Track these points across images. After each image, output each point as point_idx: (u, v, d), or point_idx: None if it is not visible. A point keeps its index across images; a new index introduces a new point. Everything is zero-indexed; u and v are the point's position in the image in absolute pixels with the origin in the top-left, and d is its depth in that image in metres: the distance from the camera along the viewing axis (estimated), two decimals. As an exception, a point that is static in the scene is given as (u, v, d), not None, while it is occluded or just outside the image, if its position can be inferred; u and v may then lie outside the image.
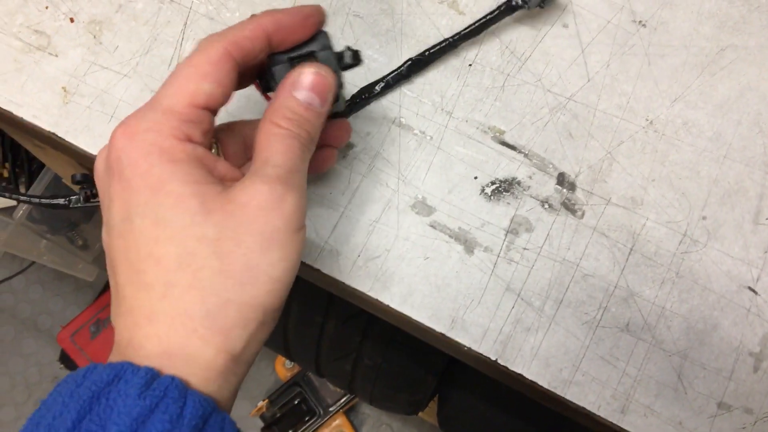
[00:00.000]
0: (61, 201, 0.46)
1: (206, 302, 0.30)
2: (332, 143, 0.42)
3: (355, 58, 0.38)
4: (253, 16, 0.35)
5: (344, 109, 0.45)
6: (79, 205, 0.45)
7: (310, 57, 0.36)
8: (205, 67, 0.32)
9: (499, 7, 0.46)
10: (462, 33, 0.47)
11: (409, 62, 0.47)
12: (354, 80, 0.48)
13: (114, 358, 0.31)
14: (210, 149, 0.35)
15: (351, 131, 0.44)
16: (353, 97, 0.47)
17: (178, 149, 0.31)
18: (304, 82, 0.34)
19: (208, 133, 0.34)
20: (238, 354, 0.31)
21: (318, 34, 0.37)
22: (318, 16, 0.36)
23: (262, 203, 0.31)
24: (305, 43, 0.36)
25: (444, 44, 0.47)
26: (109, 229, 0.32)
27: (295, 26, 0.35)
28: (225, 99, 0.34)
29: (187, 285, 0.30)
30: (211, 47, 0.32)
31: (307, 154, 0.35)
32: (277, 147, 0.33)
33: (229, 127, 0.40)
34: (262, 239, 0.31)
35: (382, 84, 0.47)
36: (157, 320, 0.30)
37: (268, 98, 0.45)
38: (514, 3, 0.46)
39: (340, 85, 0.39)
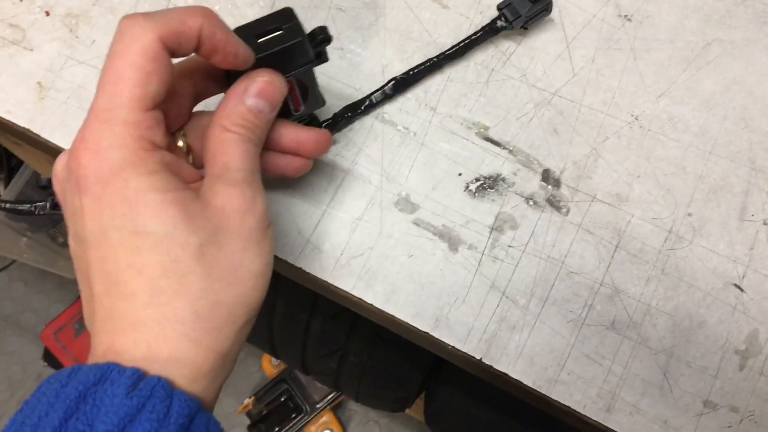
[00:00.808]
0: (27, 207, 0.45)
1: (195, 305, 0.30)
2: (304, 152, 0.40)
3: (325, 39, 0.37)
4: (191, 6, 0.33)
5: (323, 105, 0.43)
6: (45, 212, 0.44)
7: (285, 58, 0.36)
8: (146, 66, 0.30)
9: (483, 28, 0.46)
10: (446, 53, 0.46)
11: (393, 81, 0.46)
12: (337, 87, 0.47)
13: (93, 360, 0.31)
14: (169, 145, 0.34)
15: (329, 145, 0.42)
16: (336, 115, 0.46)
17: (149, 161, 0.31)
18: (255, 90, 0.35)
19: (164, 130, 0.33)
20: (226, 352, 0.32)
21: (281, 11, 0.36)
22: (248, 59, 0.35)
23: (236, 206, 0.33)
24: (268, 18, 0.36)
25: (429, 64, 0.46)
26: (79, 240, 0.32)
27: (226, 51, 0.34)
28: (167, 92, 0.33)
29: (173, 291, 0.30)
30: (143, 36, 0.30)
31: (259, 156, 0.36)
32: (234, 151, 0.34)
33: (192, 119, 0.39)
34: (240, 240, 0.32)
35: (366, 103, 0.46)
36: (144, 327, 0.30)
37: None
38: (498, 24, 0.45)
39: (314, 85, 0.39)
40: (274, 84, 0.36)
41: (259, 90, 0.35)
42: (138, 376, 0.28)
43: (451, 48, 0.46)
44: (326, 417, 1.44)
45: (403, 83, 0.46)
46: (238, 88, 0.35)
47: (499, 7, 0.46)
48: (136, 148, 0.30)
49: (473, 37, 0.46)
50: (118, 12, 0.48)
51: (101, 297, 0.31)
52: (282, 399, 1.43)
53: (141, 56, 0.30)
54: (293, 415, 1.42)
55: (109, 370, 0.28)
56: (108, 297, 0.31)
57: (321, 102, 0.42)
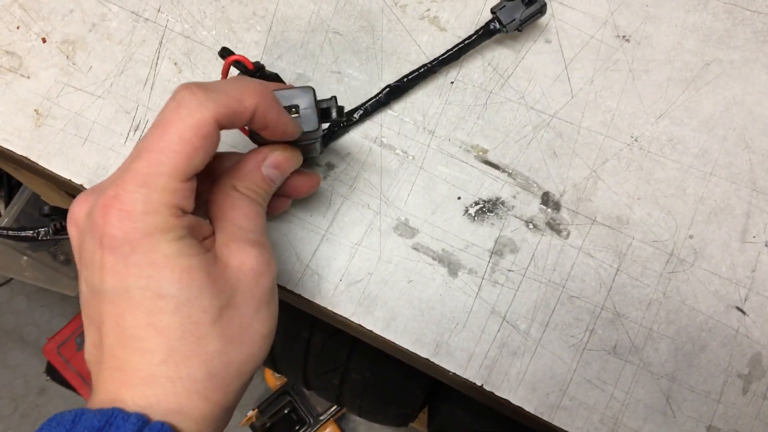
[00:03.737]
0: (30, 233, 0.45)
1: (209, 365, 0.31)
2: (295, 195, 0.42)
3: (339, 115, 0.39)
4: (247, 83, 0.34)
5: (321, 152, 0.45)
6: (48, 237, 0.44)
7: (293, 109, 0.37)
8: (196, 142, 0.31)
9: (477, 32, 0.45)
10: (440, 58, 0.46)
11: (387, 89, 0.46)
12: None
13: (96, 406, 0.31)
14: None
15: (318, 185, 0.43)
16: (330, 126, 0.46)
17: (179, 227, 0.31)
18: (273, 162, 0.37)
19: (194, 196, 0.34)
20: (230, 406, 0.33)
21: (305, 88, 0.37)
22: (295, 135, 0.37)
23: (254, 267, 0.33)
24: (291, 92, 0.37)
25: (422, 70, 0.46)
26: (96, 292, 0.32)
27: (276, 129, 0.35)
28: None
29: (190, 352, 0.31)
30: (200, 113, 0.30)
31: (265, 217, 0.38)
32: (245, 210, 0.35)
33: None
34: (254, 301, 0.33)
35: (361, 111, 0.46)
36: (156, 382, 0.31)
37: (247, 134, 0.44)
38: (492, 27, 0.45)
39: (319, 137, 0.39)
40: (292, 160, 0.38)
41: (278, 163, 0.37)
42: (143, 422, 0.29)
43: (444, 53, 0.46)
44: (330, 429, 1.44)
45: (397, 90, 0.46)
46: (258, 156, 0.37)
47: (493, 10, 0.45)
48: (168, 215, 0.31)
49: (467, 41, 0.46)
50: (114, 38, 0.48)
51: (114, 348, 0.31)
52: (285, 411, 1.43)
53: (193, 131, 0.30)
54: (297, 427, 1.42)
55: (114, 416, 0.29)
56: (122, 350, 0.31)
57: (318, 150, 0.44)
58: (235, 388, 0.33)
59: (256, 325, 0.33)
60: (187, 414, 0.31)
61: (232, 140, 0.47)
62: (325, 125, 0.45)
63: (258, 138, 0.37)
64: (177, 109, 0.31)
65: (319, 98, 0.38)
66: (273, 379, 1.47)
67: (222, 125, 0.32)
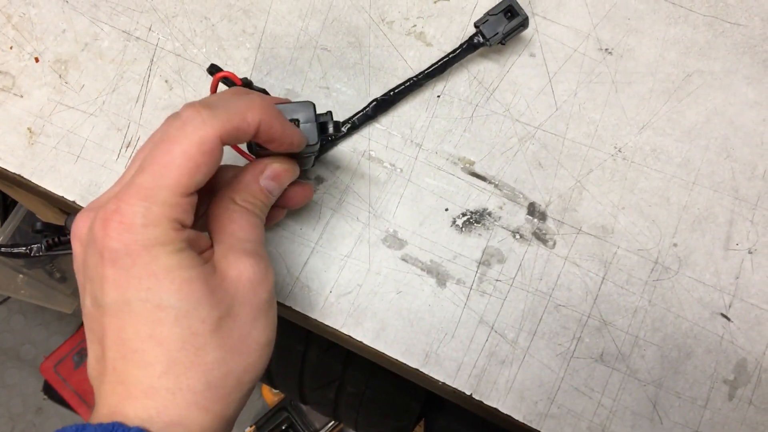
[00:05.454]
0: (23, 250, 0.45)
1: (209, 376, 0.32)
2: (289, 205, 0.42)
3: (336, 129, 0.40)
4: (251, 99, 0.34)
5: (313, 165, 0.46)
6: (41, 254, 0.45)
7: (293, 123, 0.38)
8: (199, 158, 0.31)
9: (461, 45, 0.46)
10: (426, 71, 0.47)
11: (374, 103, 0.47)
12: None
13: (97, 420, 0.31)
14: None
15: (312, 195, 0.44)
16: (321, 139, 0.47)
17: (177, 240, 0.32)
18: (271, 174, 0.37)
19: (194, 209, 0.34)
20: (231, 417, 0.33)
21: (305, 103, 0.38)
22: (300, 145, 0.38)
23: (252, 277, 0.34)
24: (292, 107, 0.38)
25: (408, 83, 0.47)
26: (98, 306, 0.32)
27: (282, 141, 0.36)
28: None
29: (189, 363, 0.31)
30: (204, 131, 0.31)
31: (263, 228, 0.38)
32: (243, 223, 0.36)
33: None
34: (252, 311, 0.34)
35: (348, 125, 0.47)
36: (157, 395, 0.31)
37: (238, 150, 0.45)
38: (476, 41, 0.46)
39: (316, 150, 0.40)
40: (290, 171, 0.39)
41: (276, 174, 0.38)
42: None
43: (429, 67, 0.47)
44: (327, 444, 1.43)
45: (384, 104, 0.47)
46: (256, 168, 0.37)
47: (476, 25, 0.46)
48: (168, 228, 0.31)
49: (451, 55, 0.46)
50: (106, 57, 0.49)
51: (115, 362, 0.32)
52: (283, 427, 1.42)
53: (197, 148, 0.31)
54: (294, 443, 1.41)
55: (114, 430, 0.29)
56: (123, 363, 0.31)
57: (311, 163, 0.44)
58: (234, 399, 0.33)
59: (255, 335, 0.34)
60: (188, 426, 0.31)
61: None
62: None
63: (257, 150, 0.38)
64: (182, 126, 0.31)
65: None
66: (270, 396, 1.47)
67: (226, 141, 0.32)
